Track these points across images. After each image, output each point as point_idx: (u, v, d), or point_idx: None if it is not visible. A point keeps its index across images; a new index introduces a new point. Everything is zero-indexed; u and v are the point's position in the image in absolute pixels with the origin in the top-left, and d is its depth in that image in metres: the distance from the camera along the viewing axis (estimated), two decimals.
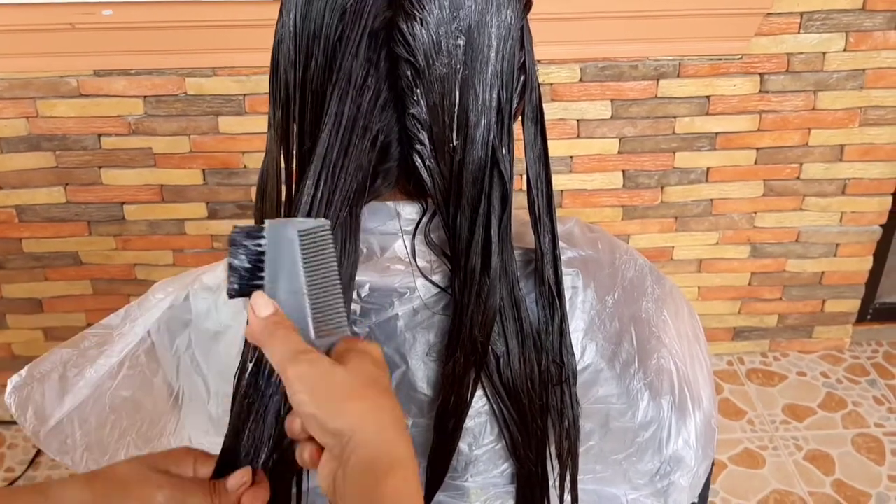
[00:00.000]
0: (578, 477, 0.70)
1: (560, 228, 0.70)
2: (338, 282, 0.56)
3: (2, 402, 0.84)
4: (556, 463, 0.69)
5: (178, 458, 0.60)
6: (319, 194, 0.59)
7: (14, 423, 2.09)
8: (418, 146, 0.59)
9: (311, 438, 0.54)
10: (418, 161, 0.60)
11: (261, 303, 0.55)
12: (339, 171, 0.59)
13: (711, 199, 2.10)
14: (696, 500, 0.76)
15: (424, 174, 0.60)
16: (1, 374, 2.22)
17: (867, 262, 2.23)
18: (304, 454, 0.55)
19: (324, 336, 0.56)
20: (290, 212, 0.63)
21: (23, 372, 0.78)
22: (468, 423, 0.67)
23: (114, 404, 0.79)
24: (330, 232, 0.56)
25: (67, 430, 0.77)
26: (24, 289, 2.11)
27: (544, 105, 0.65)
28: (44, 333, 2.18)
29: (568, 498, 0.70)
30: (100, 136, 1.91)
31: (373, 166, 0.61)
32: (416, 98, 0.58)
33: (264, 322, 0.54)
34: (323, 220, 0.57)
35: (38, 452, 2.01)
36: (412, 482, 0.52)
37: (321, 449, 0.53)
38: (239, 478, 0.59)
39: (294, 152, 0.63)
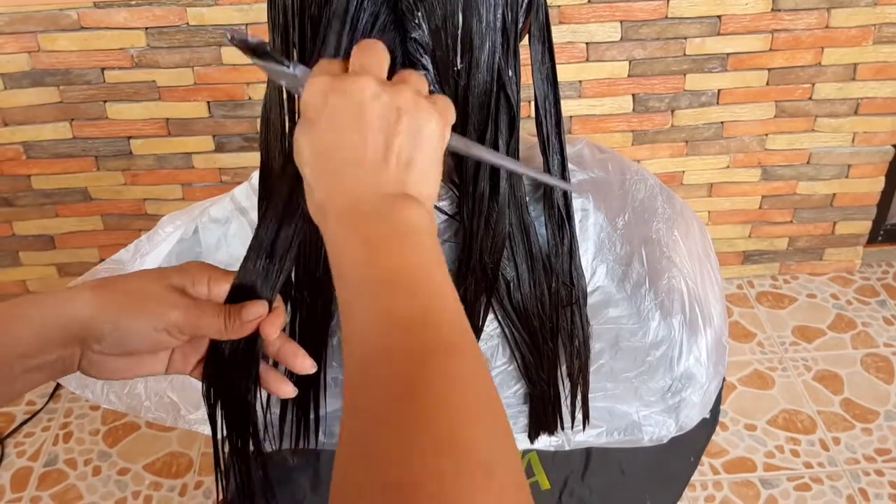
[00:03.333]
0: (590, 395, 0.71)
1: (569, 150, 0.69)
2: None
3: None
4: (567, 382, 0.69)
5: (195, 275, 0.58)
6: None
7: None
8: (421, 71, 0.58)
9: None
10: None
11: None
12: None
13: (722, 122, 2.08)
14: (707, 416, 0.77)
15: None
16: None
17: (879, 183, 2.22)
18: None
19: None
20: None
21: None
22: (480, 346, 0.68)
23: None
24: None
25: None
26: (36, 225, 2.12)
27: (553, 28, 0.64)
28: (57, 269, 2.20)
29: (579, 415, 0.71)
30: (103, 69, 1.89)
31: None
32: (417, 21, 0.56)
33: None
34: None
35: (58, 386, 2.04)
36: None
37: None
38: (254, 309, 0.57)
39: None
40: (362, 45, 0.52)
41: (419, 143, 0.50)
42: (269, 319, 0.58)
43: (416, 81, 0.52)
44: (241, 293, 0.59)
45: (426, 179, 0.51)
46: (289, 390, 0.61)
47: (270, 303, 0.59)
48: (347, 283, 0.48)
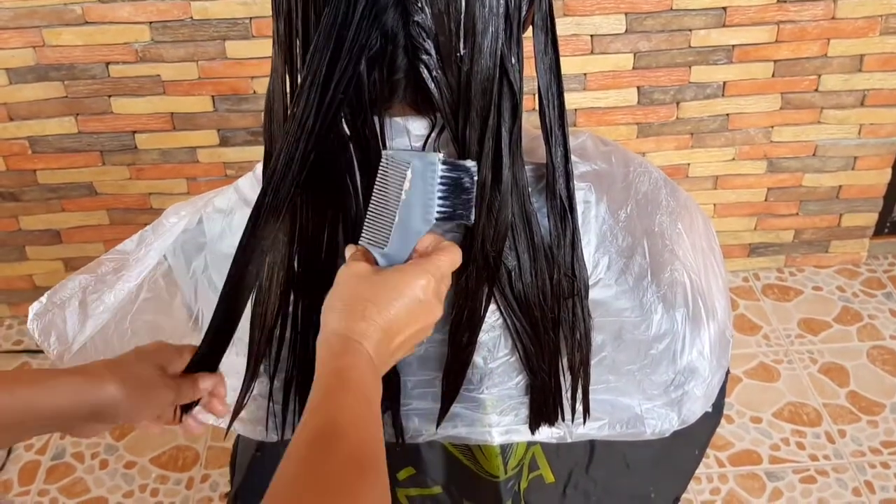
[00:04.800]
0: (592, 387, 0.71)
1: (573, 142, 0.69)
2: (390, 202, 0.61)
3: (27, 331, 0.86)
4: (568, 374, 0.69)
5: (167, 355, 0.71)
6: (309, 106, 0.58)
7: (40, 351, 2.14)
8: (424, 56, 0.58)
9: None
10: (425, 72, 0.58)
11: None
12: (331, 83, 0.58)
13: (728, 115, 2.07)
14: (710, 410, 0.77)
15: (431, 85, 0.59)
16: (24, 306, 2.26)
17: (885, 175, 2.21)
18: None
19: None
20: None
21: (43, 299, 0.79)
22: (482, 336, 0.68)
23: (135, 327, 0.81)
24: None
25: (91, 353, 0.79)
26: (42, 220, 2.13)
27: (557, 21, 0.63)
28: (64, 264, 2.21)
29: (580, 408, 0.71)
30: (107, 64, 1.89)
31: (377, 78, 0.59)
32: (420, 4, 0.56)
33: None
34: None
35: None
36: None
37: None
38: (209, 380, 0.72)
39: (298, 68, 0.61)
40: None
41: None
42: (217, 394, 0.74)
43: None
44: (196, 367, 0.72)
45: (392, 358, 0.62)
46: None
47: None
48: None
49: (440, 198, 0.61)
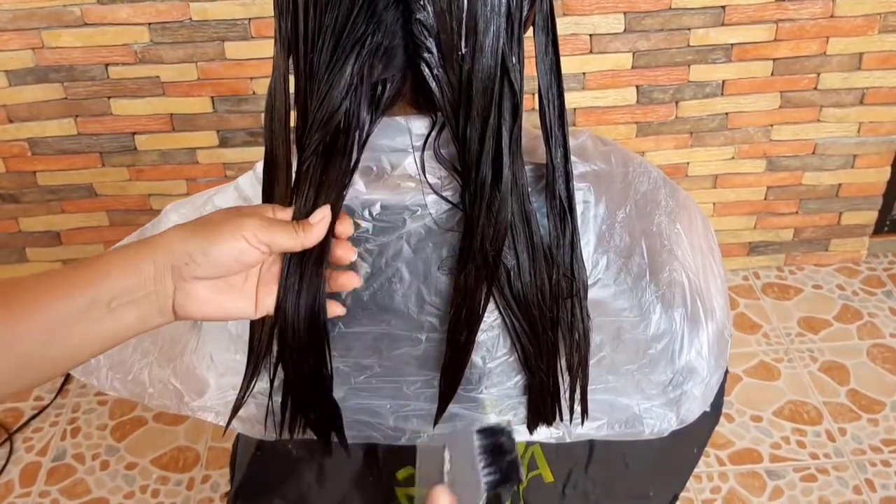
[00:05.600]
0: (591, 387, 0.71)
1: (572, 142, 0.69)
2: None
3: None
4: (566, 374, 0.70)
5: (262, 207, 0.63)
6: (312, 105, 0.59)
7: None
8: (426, 55, 0.58)
9: None
10: (426, 70, 0.59)
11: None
12: (333, 81, 0.58)
13: (727, 113, 2.07)
14: (708, 410, 0.77)
15: (432, 84, 0.59)
16: None
17: (885, 173, 2.21)
18: None
19: None
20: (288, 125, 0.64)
21: None
22: (481, 336, 0.68)
23: None
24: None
25: None
26: (42, 221, 2.13)
27: (556, 20, 0.64)
28: (63, 265, 2.20)
29: (579, 408, 0.71)
30: (107, 65, 1.89)
31: (377, 77, 0.60)
32: (422, 2, 0.56)
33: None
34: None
35: (66, 381, 2.05)
36: None
37: None
38: (319, 211, 0.62)
39: (301, 67, 0.61)
40: None
41: None
42: (340, 220, 0.63)
43: None
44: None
45: None
46: (355, 280, 0.65)
47: (334, 207, 0.62)
48: None
49: (485, 465, 0.62)
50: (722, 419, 0.87)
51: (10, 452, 1.90)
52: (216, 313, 0.61)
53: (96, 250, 2.17)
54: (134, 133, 2.00)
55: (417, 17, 0.57)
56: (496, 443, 0.62)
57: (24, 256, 2.19)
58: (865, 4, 1.91)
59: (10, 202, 2.09)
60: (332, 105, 0.59)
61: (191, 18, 1.84)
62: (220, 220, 0.60)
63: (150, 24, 1.84)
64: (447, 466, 0.61)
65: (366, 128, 0.61)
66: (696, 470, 0.91)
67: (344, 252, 0.64)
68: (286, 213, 0.63)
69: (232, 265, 0.59)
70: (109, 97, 1.94)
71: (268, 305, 0.63)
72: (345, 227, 0.63)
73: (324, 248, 0.63)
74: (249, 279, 0.63)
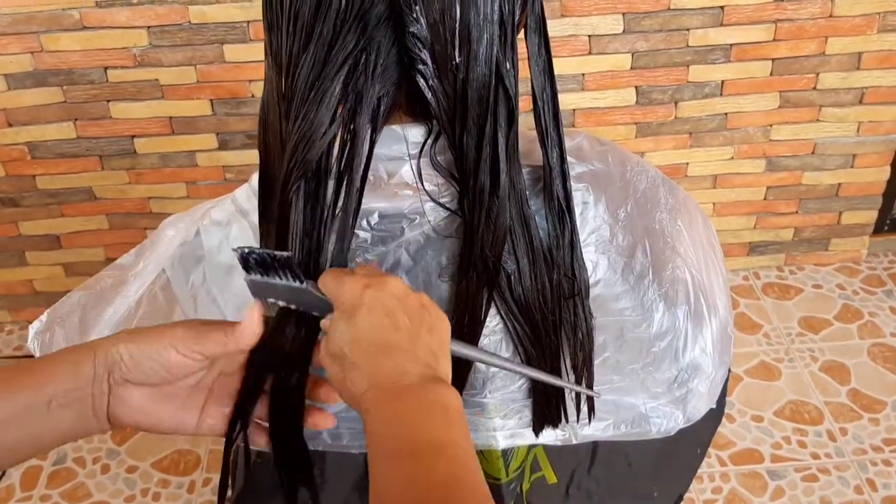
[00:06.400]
0: (596, 387, 0.71)
1: (568, 143, 0.69)
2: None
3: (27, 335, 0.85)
4: (571, 375, 0.69)
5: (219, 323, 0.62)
6: (306, 120, 0.58)
7: None
8: (420, 66, 0.58)
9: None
10: (421, 82, 0.58)
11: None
12: (325, 96, 0.58)
13: (726, 114, 2.07)
14: (713, 407, 0.77)
15: (428, 95, 0.59)
16: (24, 311, 2.26)
17: (884, 173, 2.21)
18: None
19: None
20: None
21: (43, 317, 0.79)
22: (484, 341, 0.68)
23: None
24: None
25: None
26: (42, 225, 2.13)
27: (555, 21, 0.63)
28: (64, 269, 2.21)
29: (585, 408, 0.71)
30: (106, 69, 1.89)
31: (377, 94, 0.59)
32: (415, 15, 0.56)
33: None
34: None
35: None
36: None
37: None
38: (249, 311, 0.60)
39: (293, 83, 0.61)
40: (363, 266, 0.61)
41: (440, 336, 0.58)
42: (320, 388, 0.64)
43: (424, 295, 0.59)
44: None
45: (448, 365, 0.58)
46: (330, 422, 0.64)
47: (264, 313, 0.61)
48: (388, 454, 0.53)
49: (281, 278, 0.60)
50: (723, 419, 0.87)
51: None
52: (148, 423, 0.59)
53: (96, 253, 2.17)
54: (133, 136, 2.00)
55: (411, 30, 0.57)
56: (255, 261, 0.60)
57: (24, 260, 2.19)
58: (864, 4, 1.91)
59: (9, 206, 2.09)
60: (320, 123, 0.58)
61: (189, 21, 1.84)
62: (159, 326, 0.59)
63: (148, 27, 1.84)
64: (281, 303, 0.61)
65: (366, 144, 0.61)
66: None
67: (321, 419, 0.63)
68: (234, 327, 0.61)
69: (161, 372, 0.58)
70: (109, 100, 1.94)
71: (211, 425, 0.62)
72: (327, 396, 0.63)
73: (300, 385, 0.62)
74: (196, 391, 0.61)
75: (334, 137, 0.59)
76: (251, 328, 0.60)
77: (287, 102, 0.59)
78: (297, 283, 0.59)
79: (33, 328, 0.79)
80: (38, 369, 0.57)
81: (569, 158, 0.66)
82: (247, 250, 0.59)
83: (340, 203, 0.61)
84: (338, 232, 0.61)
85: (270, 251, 0.59)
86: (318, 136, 0.59)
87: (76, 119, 1.96)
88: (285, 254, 0.58)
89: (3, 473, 1.86)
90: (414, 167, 0.65)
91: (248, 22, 1.85)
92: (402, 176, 0.65)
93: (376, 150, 0.64)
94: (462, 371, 0.69)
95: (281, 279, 0.59)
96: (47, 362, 0.58)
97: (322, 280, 0.59)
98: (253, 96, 1.95)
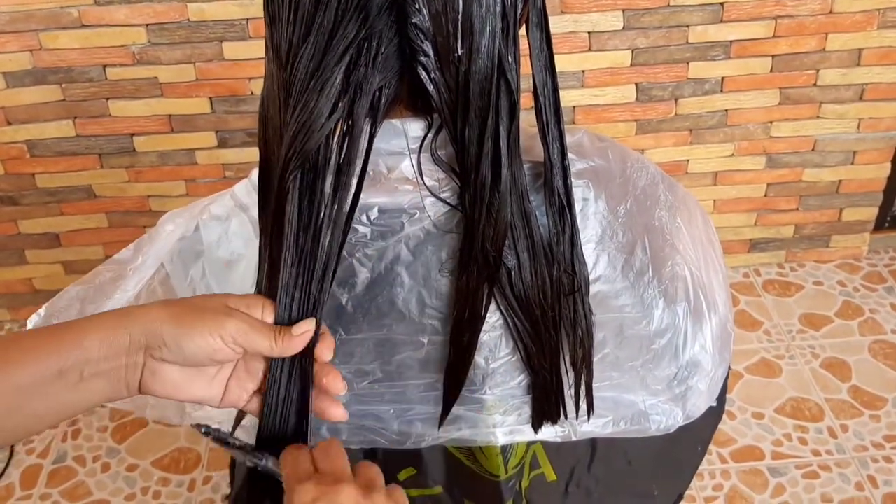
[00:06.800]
0: (595, 384, 0.70)
1: (569, 139, 0.69)
2: None
3: None
4: (570, 372, 0.69)
5: (251, 302, 0.61)
6: (305, 112, 0.58)
7: None
8: (422, 58, 0.58)
9: None
10: (423, 74, 0.58)
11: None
12: (325, 89, 0.57)
13: (726, 110, 2.07)
14: (714, 404, 0.77)
15: (430, 87, 0.58)
16: (23, 310, 2.26)
17: (885, 169, 2.21)
18: None
19: None
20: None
21: (41, 311, 0.78)
22: (483, 337, 0.68)
23: None
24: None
25: None
26: (41, 224, 2.12)
27: (555, 18, 0.63)
28: (63, 267, 2.21)
29: (584, 405, 0.71)
30: (104, 66, 1.89)
31: (377, 85, 0.59)
32: (417, 6, 0.56)
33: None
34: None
35: None
36: None
37: None
38: (302, 325, 0.61)
39: (293, 76, 0.60)
40: (323, 448, 0.59)
41: None
42: (324, 342, 0.62)
43: (380, 479, 0.58)
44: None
45: None
46: (340, 413, 0.64)
47: (318, 324, 0.61)
48: None
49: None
50: (724, 416, 0.86)
51: (11, 455, 1.90)
52: (180, 396, 0.60)
53: (95, 252, 2.17)
54: (132, 134, 2.00)
55: (413, 20, 0.56)
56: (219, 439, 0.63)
57: (23, 259, 2.18)
58: (864, 0, 1.91)
59: (8, 204, 2.08)
60: (320, 113, 0.58)
61: (188, 19, 1.83)
62: (203, 310, 0.58)
63: (147, 24, 1.84)
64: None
65: (365, 136, 0.60)
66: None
67: (332, 381, 0.63)
68: (273, 316, 0.62)
69: (204, 360, 0.59)
70: (108, 98, 1.94)
71: (233, 399, 0.63)
72: (328, 349, 0.62)
73: (308, 369, 0.62)
74: (223, 370, 0.62)
75: (333, 129, 0.59)
76: (302, 341, 0.60)
77: (286, 92, 0.59)
78: (257, 461, 0.61)
79: (31, 322, 0.78)
80: (64, 335, 0.56)
81: (569, 155, 0.66)
82: (203, 429, 0.63)
83: (338, 196, 0.60)
84: (335, 225, 0.61)
85: (231, 438, 0.62)
86: (318, 126, 0.58)
87: (75, 117, 1.96)
88: (245, 443, 0.61)
89: (2, 473, 1.86)
90: (414, 162, 0.64)
91: (247, 19, 1.84)
92: (403, 171, 0.65)
93: (376, 145, 0.63)
94: (461, 368, 0.68)
95: (243, 454, 0.62)
96: (76, 329, 0.56)
97: (282, 460, 0.59)
98: (252, 94, 1.95)
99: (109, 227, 2.14)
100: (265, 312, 0.61)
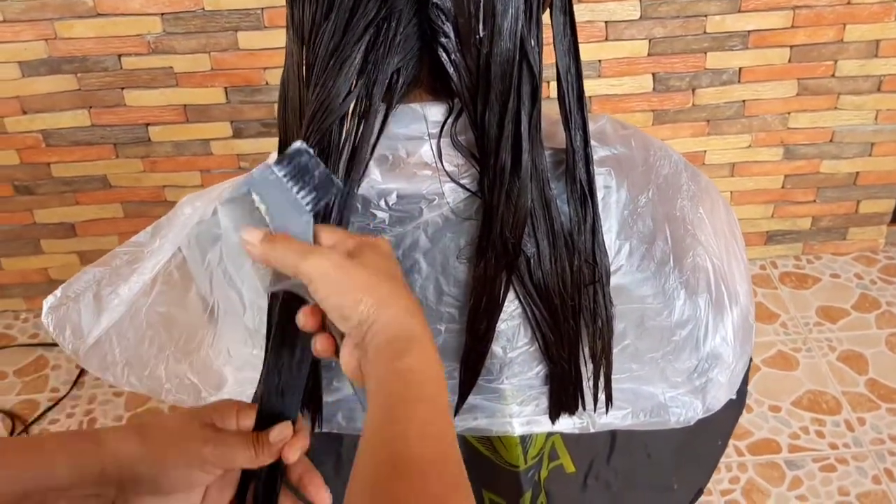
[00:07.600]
0: (614, 376, 0.70)
1: (591, 126, 0.68)
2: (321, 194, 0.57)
3: (42, 324, 0.85)
4: (589, 362, 0.69)
5: (223, 411, 0.61)
6: (325, 92, 0.58)
7: (55, 345, 2.15)
8: (443, 39, 0.57)
9: (321, 329, 0.57)
10: (443, 55, 0.57)
11: (252, 231, 0.56)
12: (345, 69, 0.57)
13: (744, 101, 2.05)
14: (734, 397, 0.76)
15: (450, 69, 0.58)
16: (39, 299, 2.26)
17: None
18: (316, 345, 0.57)
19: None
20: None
21: (57, 292, 0.78)
22: (501, 326, 0.67)
23: (150, 320, 0.80)
24: (307, 152, 0.56)
25: (106, 347, 0.78)
26: (57, 213, 2.13)
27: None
28: (79, 257, 2.21)
29: (602, 396, 0.70)
30: (120, 56, 1.89)
31: (395, 66, 0.58)
32: None
33: (260, 242, 0.55)
34: (297, 143, 0.56)
35: (81, 373, 2.06)
36: (429, 356, 0.53)
37: (332, 338, 0.56)
38: (280, 431, 0.60)
39: (314, 55, 0.60)
40: None
41: None
42: (291, 443, 0.61)
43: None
44: (267, 419, 0.61)
45: None
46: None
47: (294, 421, 0.61)
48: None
49: (298, 189, 0.57)
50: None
51: None
52: None
53: (111, 242, 2.17)
54: (148, 124, 2.00)
55: (434, 1, 0.56)
56: (299, 165, 0.56)
57: (39, 248, 2.19)
58: None
59: (24, 194, 2.09)
60: (338, 92, 0.58)
61: (203, 8, 1.83)
62: (178, 439, 0.57)
63: (162, 14, 1.83)
64: (262, 208, 0.57)
65: (379, 117, 0.60)
66: None
67: (316, 493, 0.62)
68: (249, 419, 0.61)
69: (182, 489, 0.58)
70: (123, 88, 1.94)
71: None
72: (293, 450, 0.61)
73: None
74: (200, 487, 0.61)
75: (352, 111, 0.59)
76: (279, 448, 0.60)
77: (307, 70, 0.59)
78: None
79: (47, 303, 0.78)
80: (32, 458, 0.54)
81: (591, 142, 0.65)
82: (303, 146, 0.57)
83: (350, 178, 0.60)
84: (345, 207, 0.61)
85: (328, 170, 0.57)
86: (336, 104, 0.58)
87: (90, 107, 1.96)
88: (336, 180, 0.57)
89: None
90: (434, 147, 0.64)
91: (263, 9, 1.84)
92: (422, 156, 0.64)
93: (396, 129, 0.63)
94: (478, 357, 0.68)
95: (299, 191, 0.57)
96: (45, 451, 0.55)
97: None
98: (267, 84, 1.94)
99: (125, 217, 2.14)
100: (241, 417, 0.61)
